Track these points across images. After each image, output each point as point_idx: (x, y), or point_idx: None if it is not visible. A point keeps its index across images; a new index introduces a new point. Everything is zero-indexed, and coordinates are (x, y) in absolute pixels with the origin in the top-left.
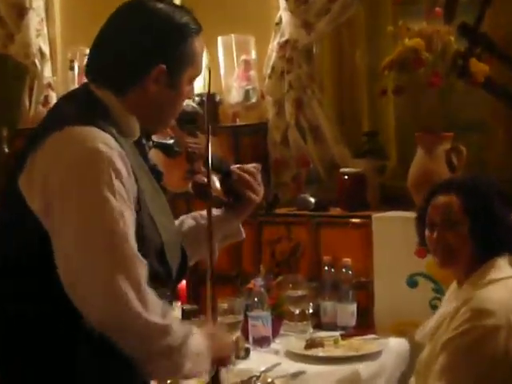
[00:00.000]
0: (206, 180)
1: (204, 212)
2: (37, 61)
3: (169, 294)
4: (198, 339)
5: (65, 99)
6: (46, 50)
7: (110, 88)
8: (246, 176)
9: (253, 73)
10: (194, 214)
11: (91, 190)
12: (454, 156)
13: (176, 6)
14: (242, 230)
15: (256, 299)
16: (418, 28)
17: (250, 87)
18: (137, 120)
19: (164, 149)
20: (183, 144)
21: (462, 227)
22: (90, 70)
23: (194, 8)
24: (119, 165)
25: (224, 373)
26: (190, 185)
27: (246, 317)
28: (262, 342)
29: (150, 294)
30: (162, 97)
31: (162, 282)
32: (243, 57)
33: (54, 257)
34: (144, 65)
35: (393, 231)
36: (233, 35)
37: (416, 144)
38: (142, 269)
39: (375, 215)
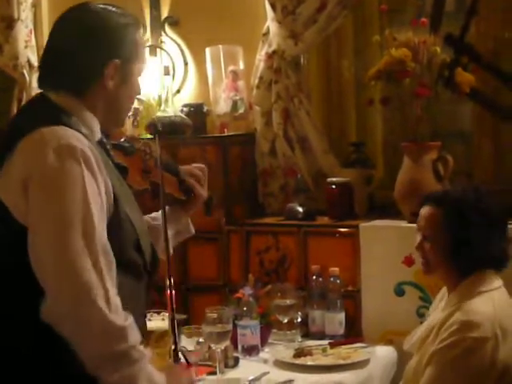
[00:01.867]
0: (160, 181)
1: (153, 214)
2: (25, 72)
3: (146, 286)
4: (153, 369)
5: (25, 109)
6: (35, 61)
7: (68, 91)
8: (194, 173)
9: (241, 83)
10: (144, 217)
11: (63, 182)
12: (440, 165)
13: (113, 6)
14: (192, 226)
15: (244, 308)
16: (405, 38)
17: (237, 97)
18: (96, 120)
19: (122, 149)
20: (137, 145)
21: (439, 242)
22: (44, 79)
23: (182, 19)
24: (91, 159)
25: None
26: (146, 185)
27: (234, 326)
28: (250, 350)
29: (115, 297)
30: (119, 92)
31: (139, 271)
32: (231, 67)
33: (28, 251)
34: (99, 63)
35: (380, 240)
36: (220, 46)
37: (403, 154)
38: (111, 263)
39: (363, 224)
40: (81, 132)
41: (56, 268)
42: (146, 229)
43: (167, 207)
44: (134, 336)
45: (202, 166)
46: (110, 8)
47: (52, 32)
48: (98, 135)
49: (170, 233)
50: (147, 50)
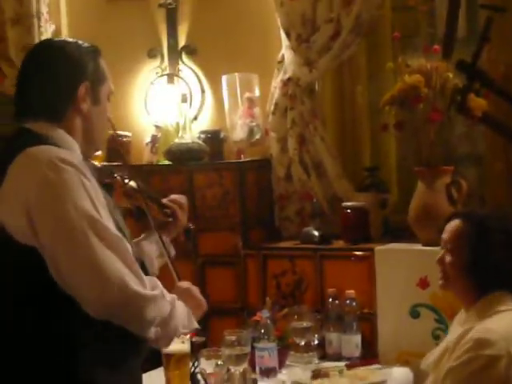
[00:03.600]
0: (142, 204)
1: (135, 240)
2: None
3: None
4: (180, 305)
5: (7, 143)
6: None
7: (46, 119)
8: (177, 200)
9: (257, 110)
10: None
11: (66, 193)
12: (454, 189)
13: (71, 39)
14: (172, 247)
15: (262, 331)
16: (417, 64)
17: (254, 124)
18: (76, 143)
19: (100, 172)
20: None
21: (460, 256)
22: (21, 113)
23: (199, 47)
24: (84, 170)
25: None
26: (130, 206)
27: (252, 348)
28: (268, 372)
29: (140, 271)
30: (92, 114)
31: None
32: (247, 94)
33: (50, 267)
34: (71, 87)
35: (395, 263)
36: (237, 74)
37: (417, 178)
38: (129, 249)
39: (378, 248)
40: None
41: (85, 270)
42: (131, 241)
43: (151, 230)
44: (165, 296)
45: (183, 196)
46: (69, 40)
47: (21, 69)
48: (80, 157)
49: (154, 254)
50: (165, 78)
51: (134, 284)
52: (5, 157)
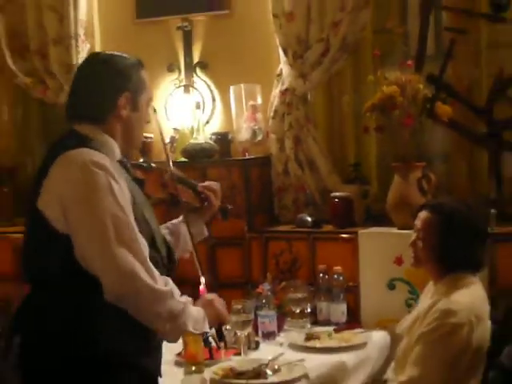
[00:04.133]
0: (176, 192)
1: (174, 221)
2: None
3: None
4: (194, 308)
5: (56, 141)
6: None
7: (91, 121)
8: (211, 187)
9: (259, 115)
10: (166, 224)
11: (96, 191)
12: (424, 182)
13: (118, 52)
14: (206, 229)
15: (264, 301)
16: (394, 77)
17: (256, 127)
18: (116, 144)
19: (140, 167)
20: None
21: (429, 243)
22: (71, 113)
23: (210, 63)
24: (114, 172)
25: (224, 329)
26: (165, 195)
27: (255, 315)
28: (269, 335)
29: (153, 268)
30: (132, 119)
31: (155, 264)
32: (251, 102)
33: (75, 251)
34: (113, 96)
35: (375, 244)
36: (242, 84)
37: (393, 172)
38: (145, 247)
39: (361, 231)
40: (102, 152)
41: (102, 261)
42: (159, 229)
43: (186, 214)
44: (175, 295)
45: (217, 182)
46: (115, 53)
47: (73, 77)
48: (118, 156)
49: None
50: (182, 88)
51: (144, 276)
52: (48, 157)
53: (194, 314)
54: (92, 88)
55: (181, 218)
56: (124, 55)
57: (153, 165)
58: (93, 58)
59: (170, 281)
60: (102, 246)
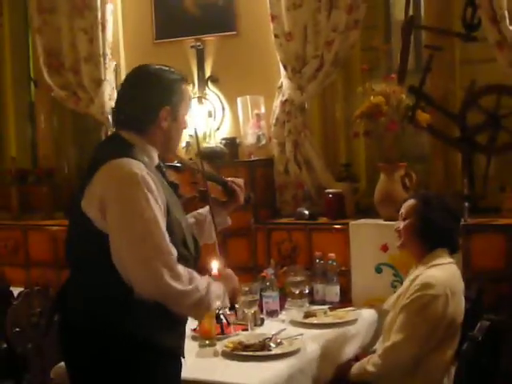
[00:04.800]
0: (206, 188)
1: (200, 210)
2: (109, 117)
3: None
4: (215, 285)
5: (102, 144)
6: None
7: (134, 130)
8: (237, 182)
9: (263, 123)
10: (193, 213)
11: (132, 201)
12: (407, 180)
13: (165, 66)
14: (229, 218)
15: (268, 283)
16: (380, 88)
17: (260, 133)
18: (155, 150)
19: (174, 168)
20: (187, 165)
21: (412, 223)
22: (117, 121)
23: (220, 77)
24: (150, 182)
25: (237, 304)
26: (195, 192)
27: (261, 296)
28: (272, 313)
29: (179, 268)
30: (171, 129)
31: (186, 260)
32: (255, 111)
33: (111, 249)
34: (156, 109)
35: (364, 234)
36: (248, 96)
37: (379, 171)
38: (173, 251)
39: (351, 222)
40: (142, 161)
41: (132, 266)
42: (190, 229)
43: (213, 207)
44: (199, 287)
45: (241, 178)
46: (163, 67)
47: (122, 85)
48: (156, 161)
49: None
50: (196, 99)
51: (171, 281)
52: (94, 162)
53: (216, 292)
54: (138, 99)
55: (207, 208)
56: (171, 69)
57: (185, 165)
58: (142, 69)
59: (195, 273)
60: (133, 252)
